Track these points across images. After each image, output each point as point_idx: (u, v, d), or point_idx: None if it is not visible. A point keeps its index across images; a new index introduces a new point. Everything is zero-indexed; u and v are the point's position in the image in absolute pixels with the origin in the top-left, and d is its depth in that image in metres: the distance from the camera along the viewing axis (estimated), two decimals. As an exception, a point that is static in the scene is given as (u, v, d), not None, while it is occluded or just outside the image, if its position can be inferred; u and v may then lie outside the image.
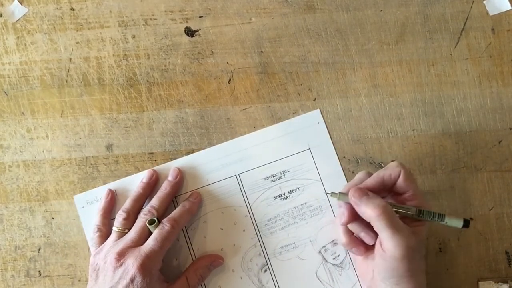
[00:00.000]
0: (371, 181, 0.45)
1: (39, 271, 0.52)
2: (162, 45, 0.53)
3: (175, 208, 0.49)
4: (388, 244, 0.41)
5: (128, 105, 0.53)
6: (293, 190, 0.51)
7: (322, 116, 0.53)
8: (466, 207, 0.51)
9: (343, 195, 0.45)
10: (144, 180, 0.51)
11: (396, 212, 0.43)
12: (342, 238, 0.46)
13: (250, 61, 0.53)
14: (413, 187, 0.44)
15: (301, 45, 0.53)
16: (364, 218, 0.44)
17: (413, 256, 0.41)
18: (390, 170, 0.44)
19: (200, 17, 0.54)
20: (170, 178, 0.51)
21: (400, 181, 0.44)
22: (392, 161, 0.48)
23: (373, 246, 0.45)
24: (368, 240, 0.45)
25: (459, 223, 0.44)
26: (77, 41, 0.54)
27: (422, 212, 0.44)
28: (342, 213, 0.45)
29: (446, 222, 0.44)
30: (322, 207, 0.51)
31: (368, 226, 0.44)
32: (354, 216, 0.45)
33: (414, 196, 0.45)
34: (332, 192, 0.46)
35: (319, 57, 0.53)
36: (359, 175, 0.46)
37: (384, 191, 0.46)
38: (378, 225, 0.42)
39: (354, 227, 0.46)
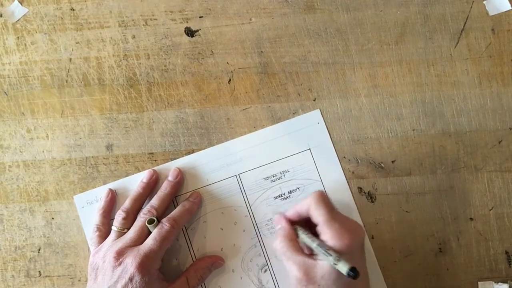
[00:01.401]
0: (290, 213, 0.47)
1: (39, 271, 0.52)
2: (162, 45, 0.53)
3: (175, 208, 0.49)
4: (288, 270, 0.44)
5: (128, 105, 0.53)
6: (293, 190, 0.51)
7: (322, 116, 0.53)
8: (466, 207, 0.52)
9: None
10: (144, 180, 0.51)
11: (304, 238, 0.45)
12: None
13: (250, 61, 0.53)
14: (321, 219, 0.43)
15: (301, 45, 0.53)
16: None
17: (306, 285, 0.42)
18: (303, 202, 0.45)
19: (200, 17, 0.54)
20: (170, 178, 0.51)
21: (310, 215, 0.45)
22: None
23: None
24: None
25: (345, 269, 0.41)
26: (77, 41, 0.54)
27: (318, 248, 0.43)
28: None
29: (335, 265, 0.41)
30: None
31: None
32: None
33: (322, 228, 0.43)
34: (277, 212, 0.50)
35: (319, 57, 0.53)
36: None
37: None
38: (278, 252, 0.45)
39: None
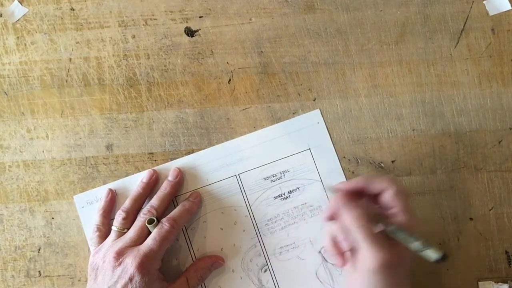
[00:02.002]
0: (356, 183, 0.44)
1: (39, 271, 0.52)
2: (162, 45, 0.53)
3: (175, 208, 0.49)
4: (364, 256, 0.41)
5: (128, 105, 0.53)
6: (293, 190, 0.51)
7: (322, 116, 0.53)
8: (466, 207, 0.51)
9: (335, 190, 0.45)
10: (144, 180, 0.51)
11: (377, 222, 0.42)
12: (325, 243, 0.47)
13: (250, 61, 0.53)
14: (401, 205, 0.42)
15: (301, 45, 0.53)
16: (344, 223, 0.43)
17: (391, 272, 0.40)
18: (378, 184, 0.44)
19: (200, 17, 0.54)
20: (170, 178, 0.51)
21: (387, 197, 0.43)
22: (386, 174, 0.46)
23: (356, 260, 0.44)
24: (344, 247, 0.45)
25: (435, 255, 0.39)
26: (77, 41, 0.54)
27: (398, 231, 0.41)
28: (327, 207, 0.46)
29: (422, 252, 0.40)
30: (322, 207, 0.51)
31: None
32: (336, 215, 0.45)
33: (400, 213, 0.42)
34: (329, 186, 0.47)
35: (319, 57, 0.53)
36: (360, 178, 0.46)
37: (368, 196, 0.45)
38: (356, 236, 0.41)
39: (337, 231, 0.45)
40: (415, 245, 0.40)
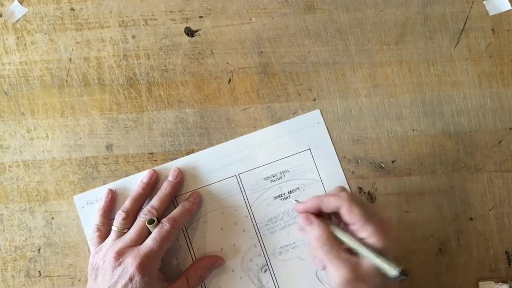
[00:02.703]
0: (311, 204, 0.45)
1: (39, 271, 0.52)
2: (162, 45, 0.53)
3: (175, 208, 0.49)
4: (329, 273, 0.42)
5: (128, 105, 0.53)
6: (293, 190, 0.51)
7: (322, 116, 0.53)
8: (466, 207, 0.52)
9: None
10: (144, 180, 0.51)
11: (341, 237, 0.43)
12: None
13: (250, 61, 0.53)
14: (357, 221, 0.42)
15: (301, 45, 0.53)
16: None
17: (358, 287, 0.41)
18: (330, 203, 0.44)
19: (200, 17, 0.54)
20: (170, 178, 0.51)
21: (342, 214, 0.44)
22: (341, 188, 0.46)
23: None
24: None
25: (393, 272, 0.40)
26: (77, 41, 0.54)
27: (359, 247, 0.42)
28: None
29: (382, 267, 0.40)
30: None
31: None
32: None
33: (359, 230, 0.42)
34: (296, 200, 0.49)
35: (319, 57, 0.53)
36: (334, 189, 0.47)
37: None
38: (320, 255, 0.43)
39: None
40: (375, 261, 0.41)
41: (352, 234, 0.43)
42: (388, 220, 0.44)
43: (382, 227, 0.42)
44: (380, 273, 0.41)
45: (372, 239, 0.42)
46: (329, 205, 0.44)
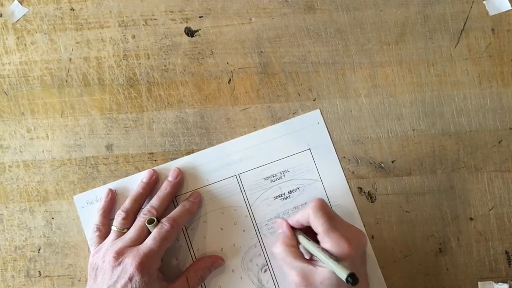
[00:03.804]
0: (291, 220, 0.47)
1: (39, 271, 0.52)
2: (162, 45, 0.53)
3: (175, 208, 0.49)
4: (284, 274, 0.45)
5: (128, 105, 0.53)
6: (293, 190, 0.51)
7: (322, 116, 0.53)
8: (466, 207, 0.51)
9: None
10: (144, 180, 0.51)
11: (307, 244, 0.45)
12: None
13: (250, 61, 0.53)
14: (321, 230, 0.43)
15: (301, 45, 0.53)
16: None
17: None
18: (303, 211, 0.46)
19: (200, 17, 0.54)
20: (170, 178, 0.51)
21: (310, 223, 0.45)
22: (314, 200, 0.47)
23: None
24: None
25: (344, 275, 0.40)
26: (77, 41, 0.54)
27: (316, 252, 0.43)
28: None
29: (334, 270, 0.41)
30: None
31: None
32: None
33: (324, 237, 0.43)
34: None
35: (319, 57, 0.53)
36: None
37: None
38: (278, 256, 0.46)
39: None
40: (329, 265, 0.42)
41: (317, 242, 0.45)
42: (353, 229, 0.45)
43: (342, 237, 0.43)
44: (337, 283, 0.42)
45: (331, 247, 0.43)
46: (303, 217, 0.46)
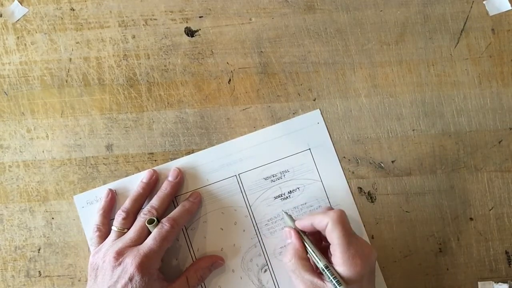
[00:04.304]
0: (304, 223, 0.46)
1: (39, 271, 0.52)
2: (162, 45, 0.53)
3: (175, 208, 0.49)
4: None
5: (128, 105, 0.53)
6: (293, 190, 0.51)
7: (322, 116, 0.53)
8: (466, 207, 0.52)
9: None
10: (144, 180, 0.51)
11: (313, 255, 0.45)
12: None
13: (250, 61, 0.53)
14: (336, 244, 0.43)
15: (301, 45, 0.53)
16: None
17: None
18: (321, 218, 0.44)
19: (200, 17, 0.54)
20: (170, 178, 0.51)
21: (326, 233, 0.44)
22: (331, 208, 0.47)
23: None
24: None
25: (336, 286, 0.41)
26: (77, 41, 0.54)
27: (323, 270, 0.43)
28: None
29: (332, 283, 0.42)
30: (322, 207, 0.51)
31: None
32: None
33: (336, 252, 0.43)
34: (286, 212, 0.49)
35: (319, 57, 0.53)
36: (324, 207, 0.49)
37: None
38: (287, 268, 0.46)
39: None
40: (334, 286, 0.42)
41: (327, 254, 0.45)
42: (366, 246, 0.44)
43: (356, 256, 0.43)
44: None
45: (339, 267, 0.43)
46: (320, 223, 0.45)
